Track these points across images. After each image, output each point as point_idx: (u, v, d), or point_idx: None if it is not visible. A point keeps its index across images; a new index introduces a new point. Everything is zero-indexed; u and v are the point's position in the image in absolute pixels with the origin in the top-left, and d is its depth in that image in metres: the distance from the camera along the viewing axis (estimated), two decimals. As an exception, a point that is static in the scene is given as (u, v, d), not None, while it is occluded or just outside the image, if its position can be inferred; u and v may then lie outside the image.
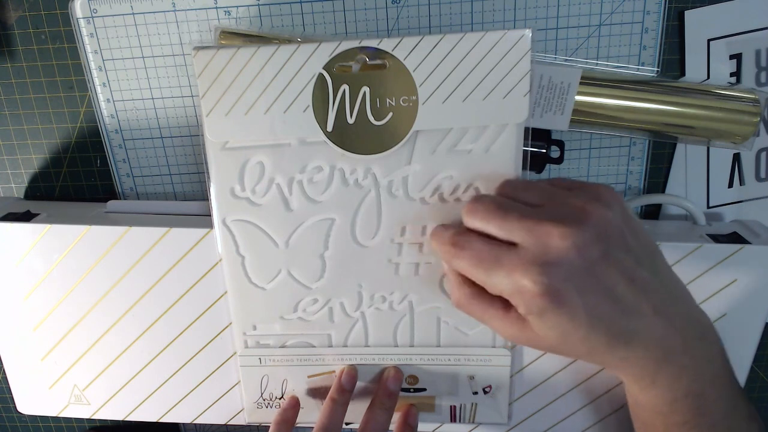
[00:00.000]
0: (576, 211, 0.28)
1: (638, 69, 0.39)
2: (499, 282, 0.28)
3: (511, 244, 0.28)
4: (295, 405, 0.39)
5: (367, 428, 0.36)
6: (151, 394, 0.41)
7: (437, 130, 0.33)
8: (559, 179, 0.32)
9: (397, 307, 0.37)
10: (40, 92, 0.41)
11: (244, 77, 0.32)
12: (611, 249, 0.27)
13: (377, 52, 0.32)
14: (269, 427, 0.38)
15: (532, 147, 0.38)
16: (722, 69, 0.39)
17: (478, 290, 0.30)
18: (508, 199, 0.30)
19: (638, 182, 0.42)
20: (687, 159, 0.41)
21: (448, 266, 0.32)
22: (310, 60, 0.32)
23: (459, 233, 0.31)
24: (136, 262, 0.38)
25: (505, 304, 0.29)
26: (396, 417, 0.39)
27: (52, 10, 0.39)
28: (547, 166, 0.40)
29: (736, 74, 0.39)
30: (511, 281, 0.28)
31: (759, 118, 0.36)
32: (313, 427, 0.36)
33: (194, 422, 0.42)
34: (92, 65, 0.40)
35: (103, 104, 0.41)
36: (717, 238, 0.37)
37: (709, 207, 0.42)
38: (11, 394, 0.43)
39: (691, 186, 0.41)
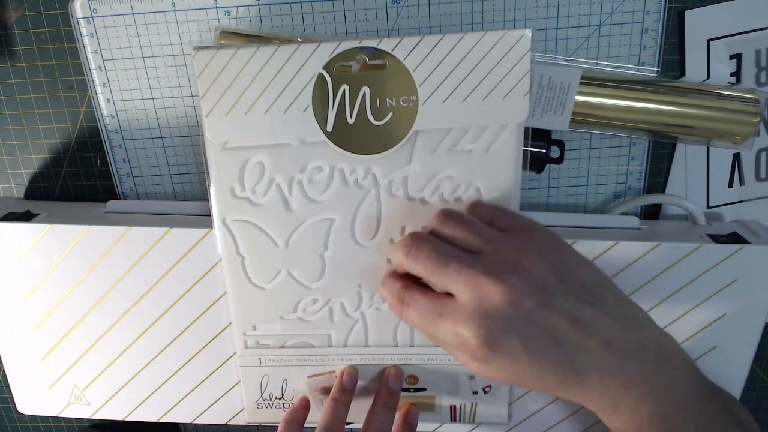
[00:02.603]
0: (512, 262, 0.29)
1: (638, 69, 0.39)
2: (443, 335, 0.30)
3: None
4: (305, 406, 0.39)
5: (370, 427, 0.36)
6: (151, 394, 0.41)
7: (437, 130, 0.33)
8: (492, 208, 0.33)
9: (397, 307, 0.37)
10: (40, 92, 0.41)
11: (244, 77, 0.32)
12: (548, 296, 0.29)
13: (377, 52, 0.32)
14: (269, 427, 0.38)
15: (532, 147, 0.38)
16: (722, 69, 0.39)
17: None
18: (446, 245, 0.30)
19: (638, 182, 0.42)
20: (687, 159, 0.41)
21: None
22: (310, 60, 0.32)
23: (404, 288, 0.31)
24: (136, 262, 0.38)
25: None
26: (396, 417, 0.39)
27: (52, 10, 0.39)
28: (547, 166, 0.40)
29: (736, 74, 0.39)
30: (453, 333, 0.29)
31: (759, 118, 0.36)
32: (315, 428, 0.36)
33: (194, 422, 0.42)
34: (92, 65, 0.40)
35: (103, 104, 0.41)
36: (717, 238, 0.37)
37: (709, 207, 0.42)
38: (11, 394, 0.43)
39: (691, 186, 0.41)
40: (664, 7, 0.37)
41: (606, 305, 0.30)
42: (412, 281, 0.32)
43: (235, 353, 0.39)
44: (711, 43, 0.38)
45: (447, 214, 0.32)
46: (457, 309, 0.29)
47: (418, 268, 0.30)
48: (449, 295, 0.30)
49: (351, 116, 0.33)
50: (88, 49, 0.39)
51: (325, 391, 0.40)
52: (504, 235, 0.31)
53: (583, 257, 0.31)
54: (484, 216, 0.33)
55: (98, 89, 0.40)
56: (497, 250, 0.30)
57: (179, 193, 0.43)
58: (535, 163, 0.39)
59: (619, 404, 0.30)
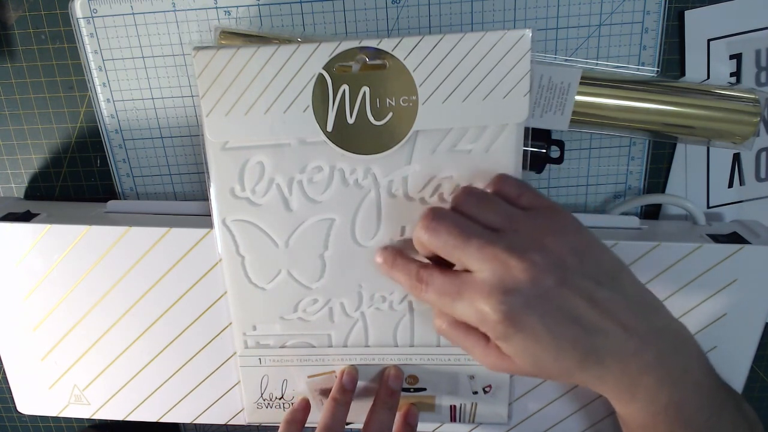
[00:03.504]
0: (532, 241, 0.29)
1: (638, 69, 0.39)
2: (464, 312, 0.30)
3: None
4: (305, 407, 0.39)
5: (370, 427, 0.36)
6: (151, 394, 0.41)
7: (437, 130, 0.33)
8: (518, 185, 0.32)
9: (397, 307, 0.37)
10: (40, 92, 0.41)
11: (244, 77, 0.32)
12: (568, 275, 0.29)
13: (377, 52, 0.32)
14: (269, 427, 0.38)
15: (532, 147, 0.38)
16: (722, 69, 0.39)
17: (457, 320, 0.31)
18: (467, 220, 0.30)
19: (638, 182, 0.42)
20: (687, 159, 0.41)
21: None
22: (310, 60, 0.32)
23: (422, 267, 0.32)
24: (136, 262, 0.38)
25: (483, 333, 0.30)
26: (396, 417, 0.39)
27: (52, 10, 0.39)
28: (547, 166, 0.40)
29: (736, 74, 0.39)
30: (474, 310, 0.29)
31: (759, 118, 0.36)
32: (315, 428, 0.36)
33: (194, 422, 0.42)
34: (92, 65, 0.40)
35: (103, 104, 0.41)
36: (717, 238, 0.37)
37: (709, 207, 0.42)
38: (11, 394, 0.43)
39: (691, 186, 0.41)
40: (664, 7, 0.37)
41: (624, 289, 0.30)
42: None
43: (235, 353, 0.39)
44: (711, 43, 0.38)
45: (469, 191, 0.32)
46: (478, 285, 0.29)
47: (437, 243, 0.30)
48: (468, 272, 0.29)
49: (351, 116, 0.33)
50: (88, 49, 0.39)
51: (325, 391, 0.39)
52: (526, 214, 0.31)
53: (603, 242, 0.31)
54: (508, 191, 0.32)
55: (98, 89, 0.40)
56: (519, 228, 0.30)
57: (179, 193, 0.43)
58: (535, 163, 0.39)
59: (636, 390, 0.30)
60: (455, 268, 0.31)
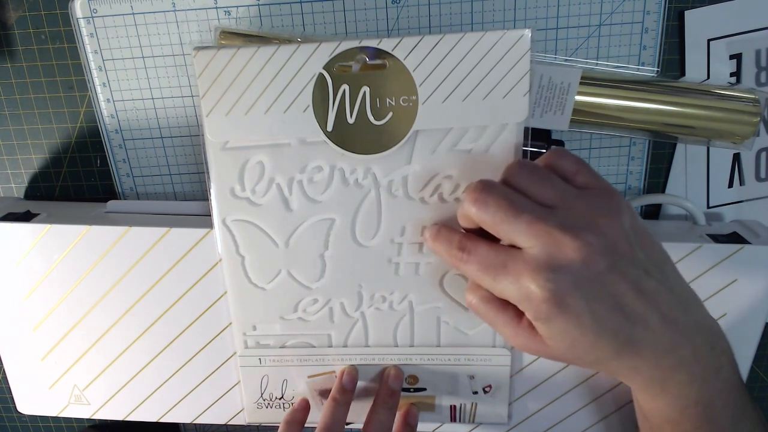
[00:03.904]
0: (586, 221, 0.28)
1: (638, 69, 0.39)
2: (506, 288, 0.28)
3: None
4: (305, 407, 0.39)
5: (370, 427, 0.36)
6: (151, 394, 0.41)
7: (437, 130, 0.33)
8: (576, 161, 0.30)
9: (397, 307, 0.37)
10: (40, 92, 0.41)
11: (244, 77, 0.32)
12: (619, 260, 0.28)
13: (377, 52, 0.32)
14: (269, 427, 0.38)
15: (532, 147, 0.38)
16: (722, 69, 0.39)
17: (492, 295, 0.30)
18: (518, 195, 0.29)
19: (638, 182, 0.42)
20: (687, 159, 0.41)
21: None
22: (310, 60, 0.32)
23: (466, 236, 0.30)
24: (136, 262, 0.38)
25: (517, 312, 0.29)
26: (396, 417, 0.39)
27: (52, 10, 0.39)
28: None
29: (736, 74, 0.39)
30: (518, 287, 0.28)
31: (759, 118, 0.36)
32: (315, 428, 0.36)
33: (194, 422, 0.42)
34: (92, 65, 0.40)
35: (103, 104, 0.41)
36: (717, 238, 0.37)
37: (709, 207, 0.42)
38: (11, 394, 0.43)
39: (691, 186, 0.41)
40: (664, 7, 0.37)
41: (668, 281, 0.29)
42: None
43: (235, 353, 0.39)
44: (711, 43, 0.38)
45: (521, 165, 0.30)
46: (525, 261, 0.27)
47: (485, 217, 0.28)
48: (514, 247, 0.28)
49: (351, 116, 0.33)
50: (88, 49, 0.39)
51: (325, 391, 0.40)
52: (581, 193, 0.29)
53: (651, 233, 0.30)
54: (564, 167, 0.30)
55: (98, 89, 0.40)
56: (572, 206, 0.28)
57: (179, 193, 0.43)
58: (535, 163, 0.39)
59: (667, 384, 0.29)
60: (501, 243, 0.30)
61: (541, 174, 0.29)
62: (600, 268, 0.27)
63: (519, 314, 0.29)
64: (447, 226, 0.32)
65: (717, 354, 0.30)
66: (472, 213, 0.29)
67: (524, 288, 0.27)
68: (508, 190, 0.29)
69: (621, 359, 0.28)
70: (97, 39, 0.39)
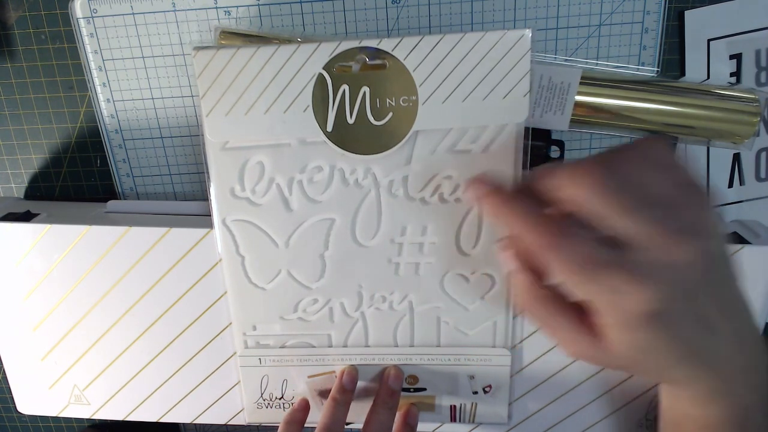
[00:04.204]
0: (695, 226, 0.25)
1: (638, 69, 0.39)
2: (598, 288, 0.25)
3: (610, 240, 0.25)
4: (305, 408, 0.39)
5: (370, 427, 0.36)
6: (151, 394, 0.41)
7: (437, 130, 0.33)
8: (670, 152, 0.27)
9: (397, 307, 0.37)
10: (40, 92, 0.41)
11: (244, 77, 0.32)
12: (717, 271, 0.26)
13: (377, 52, 0.32)
14: (269, 427, 0.38)
15: (532, 147, 0.38)
16: (722, 69, 0.39)
17: (552, 294, 0.28)
18: (631, 184, 0.25)
19: (638, 182, 0.42)
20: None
21: (516, 264, 0.28)
22: (310, 60, 0.32)
23: (564, 223, 0.26)
24: (136, 262, 0.38)
25: (579, 313, 0.27)
26: (396, 417, 0.39)
27: (52, 10, 0.39)
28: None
29: (736, 74, 0.39)
30: (610, 288, 0.25)
31: (759, 118, 0.36)
32: (315, 428, 0.36)
33: (194, 422, 0.42)
34: (92, 65, 0.40)
35: (103, 104, 0.41)
36: (717, 238, 0.37)
37: (709, 207, 0.42)
38: (11, 394, 0.43)
39: (691, 186, 0.41)
40: (664, 7, 0.37)
41: (738, 291, 0.28)
42: None
43: (235, 353, 0.39)
44: (711, 43, 0.38)
45: (641, 151, 0.26)
46: (635, 263, 0.25)
47: (604, 202, 0.25)
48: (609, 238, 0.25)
49: (351, 116, 0.33)
50: (88, 49, 0.39)
51: (325, 391, 0.40)
52: (693, 192, 0.26)
53: None
54: (667, 161, 0.27)
55: (98, 89, 0.40)
56: (678, 207, 0.25)
57: (179, 193, 0.43)
58: (535, 163, 0.39)
59: (718, 394, 0.28)
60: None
61: (657, 166, 0.26)
62: (705, 278, 0.25)
63: (581, 315, 0.27)
64: (534, 202, 0.28)
65: (764, 364, 0.29)
66: (597, 189, 0.25)
67: (623, 291, 0.25)
68: (628, 176, 0.26)
69: (682, 368, 0.27)
70: (97, 39, 0.39)
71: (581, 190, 0.26)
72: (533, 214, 0.27)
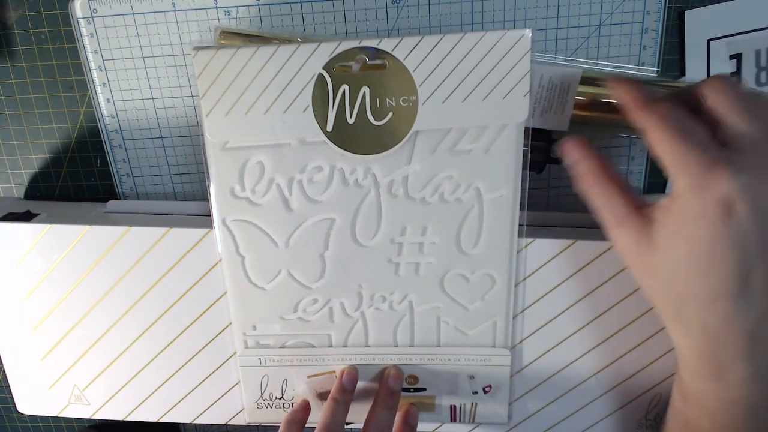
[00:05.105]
0: None
1: (638, 69, 0.39)
2: (691, 159, 0.25)
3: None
4: (306, 407, 0.39)
5: (370, 427, 0.36)
6: (151, 394, 0.41)
7: (437, 130, 0.33)
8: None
9: (397, 307, 0.37)
10: (40, 92, 0.41)
11: (243, 77, 0.32)
12: None
13: (377, 52, 0.32)
14: (269, 427, 0.38)
15: (532, 147, 0.38)
16: (722, 69, 0.39)
17: (608, 173, 0.30)
18: (756, 98, 0.27)
19: (638, 182, 0.42)
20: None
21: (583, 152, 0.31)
22: (310, 60, 0.32)
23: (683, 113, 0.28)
24: (136, 262, 0.38)
25: (632, 199, 0.29)
26: (396, 417, 0.39)
27: (52, 10, 0.39)
28: (547, 166, 0.40)
29: (736, 74, 0.39)
30: (705, 167, 0.25)
31: (759, 118, 0.36)
32: (314, 428, 0.36)
33: (194, 422, 0.42)
34: (92, 65, 0.40)
35: (103, 104, 0.41)
36: (717, 238, 0.37)
37: (709, 207, 0.42)
38: (11, 394, 0.43)
39: (691, 186, 0.41)
40: (664, 7, 0.37)
41: None
42: None
43: (235, 353, 0.39)
44: (711, 43, 0.38)
45: (729, 83, 0.28)
46: (738, 159, 0.25)
47: (726, 95, 0.27)
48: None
49: (351, 116, 0.33)
50: (88, 49, 0.39)
51: (325, 391, 0.40)
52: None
53: None
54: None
55: (98, 89, 0.40)
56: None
57: (179, 193, 0.43)
58: (535, 163, 0.39)
59: (739, 361, 0.27)
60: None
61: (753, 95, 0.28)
62: None
63: (632, 202, 0.28)
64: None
65: None
66: (719, 84, 0.27)
67: (715, 175, 0.25)
68: (754, 94, 0.28)
69: (728, 299, 0.25)
70: (97, 39, 0.39)
71: (717, 81, 0.27)
72: (646, 88, 0.29)
